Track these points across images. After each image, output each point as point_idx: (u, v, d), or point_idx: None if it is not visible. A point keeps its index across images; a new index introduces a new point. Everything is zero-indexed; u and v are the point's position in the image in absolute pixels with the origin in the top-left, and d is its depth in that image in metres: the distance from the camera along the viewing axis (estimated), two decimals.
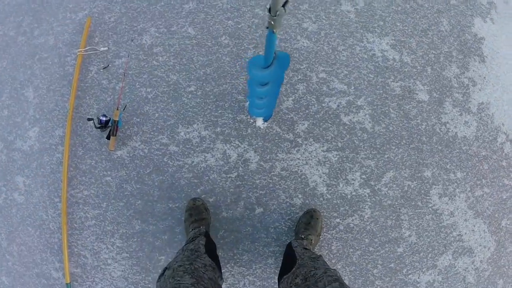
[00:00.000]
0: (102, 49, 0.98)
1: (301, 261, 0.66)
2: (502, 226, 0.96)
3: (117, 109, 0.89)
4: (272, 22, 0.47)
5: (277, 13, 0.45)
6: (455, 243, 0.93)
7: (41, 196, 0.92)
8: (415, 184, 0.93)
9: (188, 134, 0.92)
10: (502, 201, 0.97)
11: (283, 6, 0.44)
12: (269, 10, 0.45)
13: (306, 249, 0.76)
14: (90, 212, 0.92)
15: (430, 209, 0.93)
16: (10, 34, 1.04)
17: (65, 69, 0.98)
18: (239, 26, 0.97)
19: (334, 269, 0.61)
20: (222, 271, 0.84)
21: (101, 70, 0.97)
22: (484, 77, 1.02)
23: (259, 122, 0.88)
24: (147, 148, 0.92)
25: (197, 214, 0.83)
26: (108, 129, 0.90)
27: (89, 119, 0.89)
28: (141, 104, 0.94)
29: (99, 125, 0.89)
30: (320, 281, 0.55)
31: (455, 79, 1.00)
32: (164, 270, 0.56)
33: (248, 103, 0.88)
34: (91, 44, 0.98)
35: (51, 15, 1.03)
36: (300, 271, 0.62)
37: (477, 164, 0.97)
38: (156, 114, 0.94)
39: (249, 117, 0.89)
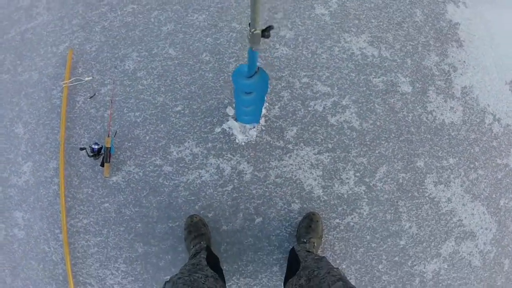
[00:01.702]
0: (86, 79, 0.99)
1: (304, 263, 0.67)
2: (501, 206, 0.97)
3: (108, 136, 0.91)
4: (251, 40, 0.48)
5: (254, 31, 0.46)
6: (456, 228, 0.93)
7: (41, 229, 0.93)
8: (409, 176, 0.94)
9: (180, 153, 0.94)
10: (498, 181, 0.98)
11: (264, 33, 0.46)
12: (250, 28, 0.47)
13: (309, 251, 0.76)
14: (92, 239, 0.92)
15: (427, 198, 0.94)
16: None
17: (52, 102, 1.00)
18: (218, 42, 0.99)
19: (337, 268, 0.61)
20: (229, 284, 0.85)
21: (88, 100, 0.98)
22: (464, 61, 1.04)
23: (240, 137, 0.90)
24: (141, 171, 0.93)
25: (196, 230, 0.84)
26: (101, 157, 0.91)
27: (81, 149, 0.90)
28: (131, 128, 0.95)
29: (92, 154, 0.90)
30: (324, 281, 0.56)
31: (435, 67, 1.02)
32: (165, 284, 0.57)
33: (233, 110, 0.88)
34: (75, 75, 1.00)
35: (33, 50, 1.05)
36: (304, 272, 0.63)
37: (468, 147, 0.98)
38: (147, 137, 0.95)
39: (231, 133, 0.90)
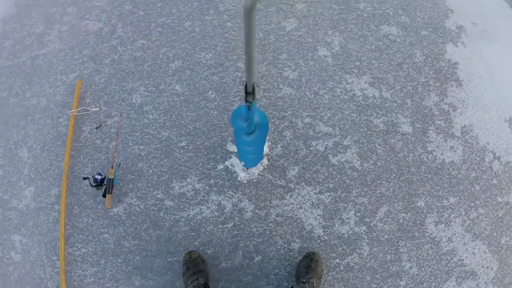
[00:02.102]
0: (93, 109, 1.01)
1: None
2: (502, 244, 0.96)
3: (112, 168, 0.91)
4: (247, 98, 0.50)
5: (250, 91, 0.48)
6: (457, 268, 0.93)
7: (39, 254, 0.92)
8: (410, 216, 0.94)
9: (182, 188, 0.94)
10: (499, 219, 0.98)
11: (251, 92, 0.48)
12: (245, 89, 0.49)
13: None
14: (89, 269, 0.91)
15: (428, 238, 0.94)
16: (3, 96, 1.08)
17: (58, 130, 1.01)
18: (224, 81, 1.01)
19: None
20: None
21: (94, 130, 1.00)
22: (463, 100, 1.06)
23: (242, 175, 0.90)
24: (143, 204, 0.94)
25: (195, 266, 0.83)
26: (104, 187, 0.91)
27: (84, 178, 0.91)
28: (134, 161, 0.96)
29: (95, 184, 0.90)
30: None
31: (435, 107, 1.04)
32: None
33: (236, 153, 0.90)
34: (83, 105, 1.02)
35: (42, 77, 1.08)
36: None
37: (468, 186, 0.98)
38: (150, 170, 0.96)
39: (233, 170, 0.91)
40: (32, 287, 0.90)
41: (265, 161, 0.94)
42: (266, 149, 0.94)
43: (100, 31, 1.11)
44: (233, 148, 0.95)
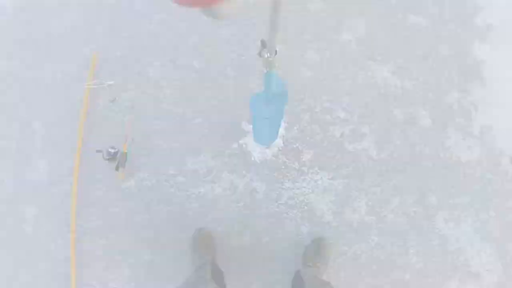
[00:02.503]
0: (109, 83, 0.99)
1: (309, 286, 0.67)
2: (509, 249, 0.95)
3: (125, 142, 0.91)
4: (267, 63, 0.50)
5: (271, 56, 0.47)
6: (462, 268, 0.92)
7: (50, 226, 0.93)
8: (421, 210, 0.93)
9: (195, 164, 0.94)
10: (508, 224, 0.97)
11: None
12: (259, 54, 0.48)
13: (314, 276, 0.76)
14: (99, 242, 0.92)
15: (437, 234, 0.93)
16: (17, 69, 1.06)
17: (72, 103, 1.00)
18: (243, 58, 0.99)
19: None
20: None
21: (109, 103, 0.99)
22: (486, 100, 1.03)
23: (256, 154, 0.89)
24: (155, 179, 0.93)
25: (203, 243, 0.84)
26: (117, 161, 0.91)
27: (98, 151, 0.90)
28: (148, 136, 0.96)
29: (108, 157, 0.90)
30: None
31: (456, 103, 1.01)
32: None
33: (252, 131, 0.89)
34: (98, 78, 1.00)
35: (58, 50, 1.06)
36: None
37: (482, 188, 0.97)
38: (164, 146, 0.95)
39: (247, 149, 0.90)
40: (43, 259, 0.92)
41: (280, 142, 0.93)
42: (282, 131, 0.93)
43: (118, 3, 1.08)
44: (248, 127, 0.93)
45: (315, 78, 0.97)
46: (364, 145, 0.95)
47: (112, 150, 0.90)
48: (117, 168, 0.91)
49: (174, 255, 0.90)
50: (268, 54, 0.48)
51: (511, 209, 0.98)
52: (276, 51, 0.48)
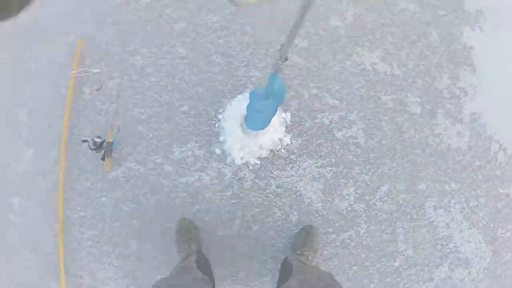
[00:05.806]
0: (94, 70, 0.98)
1: (296, 270, 0.67)
2: (498, 236, 0.96)
3: (112, 131, 0.90)
4: (278, 67, 0.52)
5: (283, 62, 0.49)
6: (451, 254, 0.93)
7: (37, 217, 0.93)
8: (410, 197, 0.93)
9: (182, 153, 0.93)
10: (497, 211, 0.97)
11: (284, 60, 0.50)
12: (280, 58, 0.50)
13: (302, 262, 0.76)
14: (87, 232, 0.92)
15: (426, 221, 0.93)
16: (2, 57, 1.04)
17: (58, 91, 0.99)
18: (230, 45, 0.97)
19: (329, 273, 0.62)
20: None
21: (94, 92, 0.97)
22: (476, 86, 1.03)
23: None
24: (142, 168, 0.93)
25: (187, 233, 0.84)
26: (103, 151, 0.90)
27: (83, 141, 0.89)
28: (135, 124, 0.94)
29: (94, 147, 0.89)
30: (315, 286, 0.58)
31: (446, 90, 1.01)
32: None
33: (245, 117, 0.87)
34: (84, 66, 0.98)
35: (43, 37, 1.03)
36: (296, 277, 0.64)
37: (471, 174, 0.97)
38: (150, 134, 0.94)
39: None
40: (31, 249, 0.91)
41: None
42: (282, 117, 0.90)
43: None
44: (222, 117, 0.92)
45: (303, 65, 0.96)
46: (353, 132, 0.94)
47: (99, 140, 0.89)
48: (103, 158, 0.90)
49: (162, 245, 0.89)
50: (280, 59, 0.49)
51: (500, 195, 0.98)
52: (286, 57, 0.49)
